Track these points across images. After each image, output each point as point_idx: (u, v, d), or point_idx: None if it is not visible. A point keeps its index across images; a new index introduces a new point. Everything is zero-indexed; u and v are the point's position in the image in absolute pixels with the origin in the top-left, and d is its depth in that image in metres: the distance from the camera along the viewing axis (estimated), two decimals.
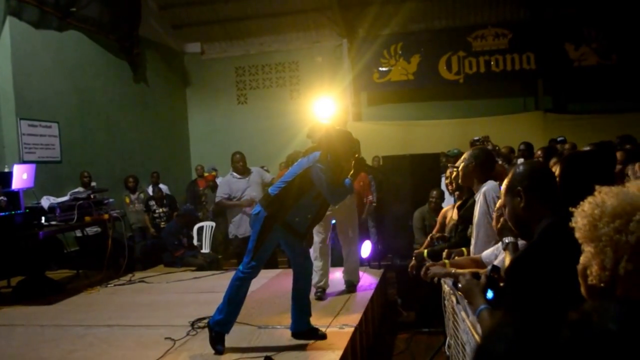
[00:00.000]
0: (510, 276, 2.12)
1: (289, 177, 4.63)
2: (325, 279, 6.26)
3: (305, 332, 4.75)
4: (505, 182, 2.29)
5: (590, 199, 1.37)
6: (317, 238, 6.24)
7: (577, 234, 1.36)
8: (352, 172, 4.67)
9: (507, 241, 3.29)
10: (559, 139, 9.09)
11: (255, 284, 4.72)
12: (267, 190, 4.84)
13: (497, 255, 3.45)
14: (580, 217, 1.36)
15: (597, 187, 1.41)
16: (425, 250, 4.90)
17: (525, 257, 2.09)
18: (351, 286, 6.37)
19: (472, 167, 4.07)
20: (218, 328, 4.54)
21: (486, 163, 4.16)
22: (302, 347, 4.59)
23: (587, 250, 1.34)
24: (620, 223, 1.26)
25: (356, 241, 6.52)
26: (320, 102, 6.24)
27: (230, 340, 4.61)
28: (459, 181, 4.38)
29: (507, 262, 3.29)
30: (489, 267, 2.86)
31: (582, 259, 1.37)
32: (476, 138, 9.04)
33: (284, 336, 4.87)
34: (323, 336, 4.74)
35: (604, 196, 1.34)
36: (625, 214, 1.27)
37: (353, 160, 4.71)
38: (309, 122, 6.54)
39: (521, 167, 2.28)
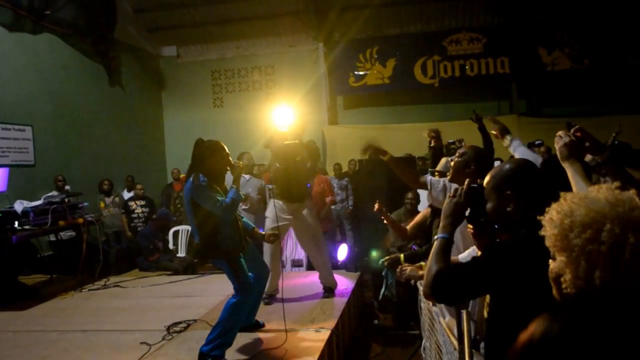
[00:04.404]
0: (486, 253, 2.12)
1: (189, 215, 4.57)
2: (272, 285, 6.10)
3: (251, 325, 5.08)
4: (491, 177, 2.16)
5: (557, 207, 1.38)
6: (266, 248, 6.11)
7: (548, 243, 1.37)
8: (233, 179, 4.55)
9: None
10: (536, 142, 9.10)
11: (228, 289, 4.67)
12: (195, 242, 4.81)
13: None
14: (550, 226, 1.37)
15: (562, 193, 1.42)
16: (402, 255, 4.84)
17: (509, 245, 2.05)
18: (329, 291, 6.36)
19: (470, 170, 3.53)
20: (220, 351, 4.39)
21: (485, 168, 3.72)
22: (279, 351, 4.59)
23: (560, 259, 1.35)
24: (591, 233, 1.28)
25: (323, 248, 6.43)
26: (278, 110, 6.06)
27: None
28: (450, 177, 3.78)
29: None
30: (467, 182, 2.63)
31: (554, 266, 1.37)
32: (451, 141, 9.08)
33: (260, 340, 4.87)
34: (263, 324, 5.23)
35: (572, 204, 1.35)
36: (595, 224, 1.28)
37: (228, 166, 4.58)
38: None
39: (508, 166, 2.16)
